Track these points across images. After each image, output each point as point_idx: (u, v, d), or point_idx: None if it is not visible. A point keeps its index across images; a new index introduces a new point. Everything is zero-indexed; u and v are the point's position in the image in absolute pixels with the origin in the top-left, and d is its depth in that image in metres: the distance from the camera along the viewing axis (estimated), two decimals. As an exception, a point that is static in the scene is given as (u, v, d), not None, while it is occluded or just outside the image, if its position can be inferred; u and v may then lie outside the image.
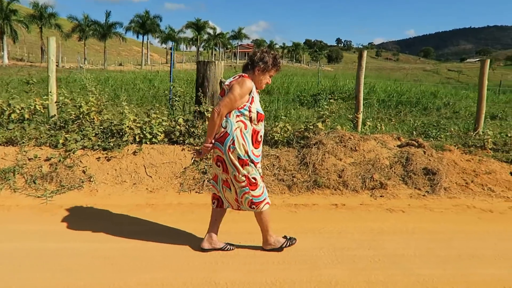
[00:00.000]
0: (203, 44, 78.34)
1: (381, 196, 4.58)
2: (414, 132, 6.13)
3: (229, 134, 2.78)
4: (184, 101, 5.76)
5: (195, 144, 5.11)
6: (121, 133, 5.06)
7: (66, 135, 4.88)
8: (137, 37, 66.36)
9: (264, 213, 2.97)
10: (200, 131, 5.23)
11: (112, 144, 4.86)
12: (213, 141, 2.87)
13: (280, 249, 3.07)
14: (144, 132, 5.05)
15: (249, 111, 2.80)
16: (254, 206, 2.92)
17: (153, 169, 4.77)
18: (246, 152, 2.81)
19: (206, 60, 5.66)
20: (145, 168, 4.75)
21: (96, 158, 4.78)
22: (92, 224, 3.48)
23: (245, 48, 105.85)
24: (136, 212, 3.84)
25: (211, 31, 75.21)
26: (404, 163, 5.08)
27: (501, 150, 5.82)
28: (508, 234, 3.65)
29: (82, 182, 4.45)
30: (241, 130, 2.79)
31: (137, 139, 5.05)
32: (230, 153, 2.79)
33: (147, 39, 67.28)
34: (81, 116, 5.25)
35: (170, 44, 74.30)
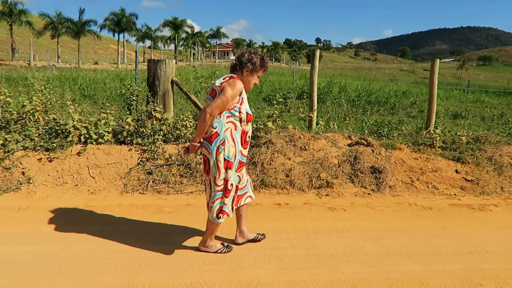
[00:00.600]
0: (181, 42, 77.72)
1: (326, 195, 4.61)
2: (366, 131, 6.21)
3: (219, 135, 2.78)
4: (137, 101, 5.66)
5: (143, 144, 5.03)
6: (66, 134, 4.94)
7: (6, 136, 4.72)
8: (113, 35, 65.11)
9: (217, 222, 2.96)
10: (149, 131, 5.16)
11: (55, 145, 4.74)
12: (201, 140, 2.85)
13: (214, 253, 3.06)
14: (90, 132, 4.94)
15: (239, 112, 2.81)
16: (221, 215, 2.89)
17: (97, 170, 4.67)
18: (234, 155, 2.81)
19: (156, 59, 5.58)
20: (88, 169, 4.65)
21: (38, 159, 4.65)
22: (18, 227, 3.38)
23: (224, 47, 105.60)
24: (71, 214, 3.75)
25: (188, 30, 74.65)
26: (352, 162, 5.13)
27: (449, 149, 5.96)
28: (441, 231, 3.73)
29: (20, 184, 4.32)
30: (231, 131, 2.80)
31: (82, 139, 4.94)
32: (217, 153, 2.78)
33: (123, 37, 66.14)
34: (24, 116, 5.10)
35: (147, 42, 73.44)
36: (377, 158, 5.21)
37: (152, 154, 4.86)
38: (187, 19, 70.60)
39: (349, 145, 5.48)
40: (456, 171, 5.44)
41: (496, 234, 3.71)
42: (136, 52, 11.05)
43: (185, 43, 77.52)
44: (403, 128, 6.26)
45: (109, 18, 60.35)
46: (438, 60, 6.46)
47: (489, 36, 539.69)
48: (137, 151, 4.97)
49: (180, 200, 4.23)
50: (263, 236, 3.33)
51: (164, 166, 4.76)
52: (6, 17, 51.20)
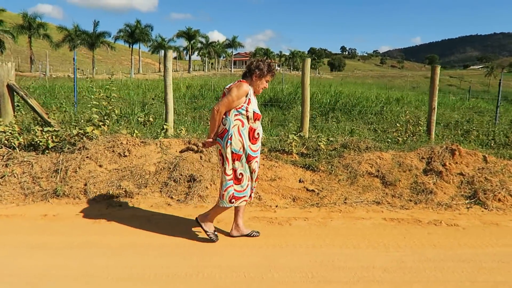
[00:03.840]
0: (196, 52, 78.75)
1: (119, 206, 4.19)
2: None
3: (228, 131, 3.16)
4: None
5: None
6: None
7: None
8: (129, 46, 66.55)
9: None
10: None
11: None
12: (214, 137, 3.26)
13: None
14: None
15: (246, 111, 3.18)
16: (234, 200, 3.27)
17: None
18: (241, 148, 3.18)
19: (-11, 62, 5.35)
20: None
21: None
22: None
23: (243, 56, 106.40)
24: None
25: (203, 40, 75.45)
26: (172, 169, 4.69)
27: (309, 155, 5.39)
28: (178, 249, 3.24)
29: None
30: (238, 128, 3.17)
31: None
32: (227, 147, 3.17)
33: (139, 47, 67.51)
34: None
35: (162, 52, 74.54)
36: (202, 166, 4.75)
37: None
38: (199, 30, 70.83)
39: (181, 151, 5.04)
40: (300, 180, 4.89)
41: (239, 254, 3.19)
42: (74, 59, 10.90)
43: (200, 53, 78.49)
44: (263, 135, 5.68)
45: (123, 30, 61.82)
46: (310, 60, 5.91)
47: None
48: None
49: None
50: (257, 233, 3.51)
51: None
52: (26, 30, 53.30)
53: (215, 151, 5.03)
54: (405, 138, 6.08)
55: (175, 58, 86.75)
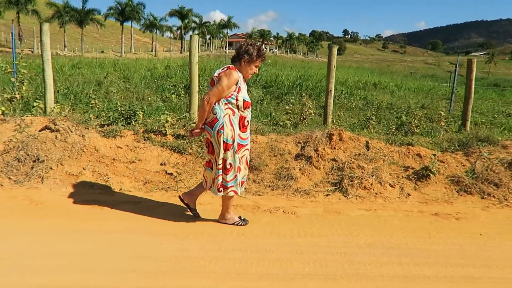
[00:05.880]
0: (190, 32, 77.68)
1: None
2: (92, 115, 5.44)
3: (218, 120, 3.11)
4: None
5: None
6: None
7: None
8: (120, 24, 65.45)
9: (229, 196, 3.31)
10: None
11: None
12: (203, 126, 3.20)
13: (232, 224, 3.42)
14: None
15: (236, 100, 3.12)
16: (222, 189, 3.24)
17: None
18: (232, 138, 3.13)
19: None
20: None
21: None
22: None
23: (240, 38, 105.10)
24: None
25: (196, 20, 74.24)
26: (21, 149, 4.48)
27: (185, 138, 5.18)
28: None
29: None
30: (229, 117, 3.13)
31: None
32: (218, 137, 3.12)
33: (131, 25, 66.54)
34: None
35: (154, 31, 73.55)
36: (54, 145, 4.54)
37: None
38: (192, 9, 69.63)
39: (40, 130, 4.82)
40: (162, 163, 4.69)
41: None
42: (12, 34, 10.54)
43: (193, 33, 77.48)
44: (141, 115, 5.42)
45: (113, 7, 60.73)
46: (196, 37, 5.61)
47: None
48: None
49: None
50: (197, 214, 3.54)
51: None
52: (13, 6, 52.32)
53: (76, 131, 4.82)
54: (298, 122, 5.85)
55: (170, 37, 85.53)
